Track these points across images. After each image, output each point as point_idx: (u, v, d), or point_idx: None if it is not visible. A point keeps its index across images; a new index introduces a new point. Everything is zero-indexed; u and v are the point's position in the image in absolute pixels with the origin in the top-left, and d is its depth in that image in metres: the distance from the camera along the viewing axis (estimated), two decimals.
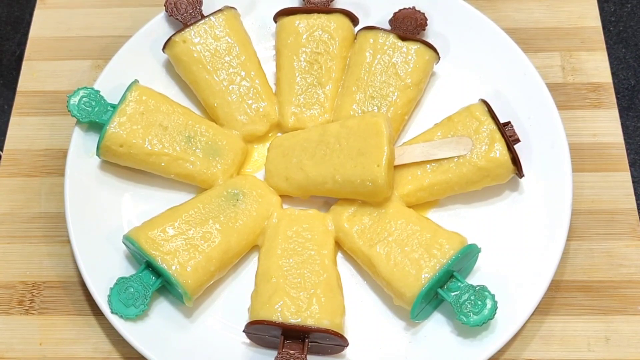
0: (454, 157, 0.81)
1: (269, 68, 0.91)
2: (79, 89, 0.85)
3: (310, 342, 0.75)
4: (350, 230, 0.80)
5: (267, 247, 0.80)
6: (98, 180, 0.85)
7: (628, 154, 0.88)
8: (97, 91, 0.86)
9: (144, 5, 0.99)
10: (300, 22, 0.89)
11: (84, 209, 0.82)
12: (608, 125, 0.90)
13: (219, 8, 0.89)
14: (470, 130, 0.82)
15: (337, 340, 0.74)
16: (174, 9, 0.90)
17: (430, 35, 0.91)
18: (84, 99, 0.85)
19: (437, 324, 0.78)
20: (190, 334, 0.78)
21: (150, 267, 0.78)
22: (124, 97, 0.84)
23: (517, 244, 0.81)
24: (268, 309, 0.74)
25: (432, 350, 0.77)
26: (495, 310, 0.74)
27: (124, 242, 0.79)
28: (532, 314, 0.77)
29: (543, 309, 0.80)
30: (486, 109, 0.83)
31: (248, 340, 0.77)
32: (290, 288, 0.76)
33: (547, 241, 0.79)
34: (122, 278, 0.78)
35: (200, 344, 0.78)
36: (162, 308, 0.79)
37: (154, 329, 0.77)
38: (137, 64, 0.90)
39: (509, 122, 0.82)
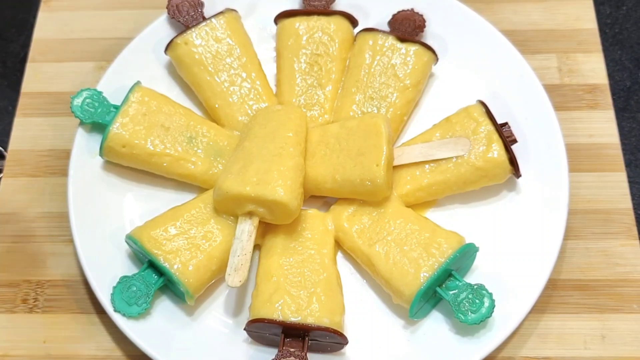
0: (452, 157, 0.82)
1: (270, 69, 0.92)
2: (82, 90, 0.86)
3: (310, 340, 0.75)
4: (350, 229, 0.81)
5: (267, 247, 0.81)
6: (101, 181, 0.85)
7: (624, 154, 0.89)
8: (100, 92, 0.86)
9: (146, 7, 1.00)
10: (301, 24, 0.90)
11: (87, 209, 0.83)
12: (604, 126, 0.91)
13: (220, 10, 0.90)
14: (468, 131, 0.83)
15: (336, 338, 0.75)
16: (176, 12, 0.91)
17: (428, 37, 0.92)
18: (87, 100, 0.85)
19: (435, 322, 0.79)
20: (192, 332, 0.79)
21: (153, 266, 0.78)
22: (126, 98, 0.84)
23: (515, 243, 0.81)
24: (269, 307, 0.75)
25: (430, 348, 0.77)
26: (493, 308, 0.75)
27: (126, 242, 0.80)
28: (529, 313, 0.78)
29: (540, 307, 0.80)
30: (484, 110, 0.83)
31: (249, 338, 0.78)
32: (291, 287, 0.76)
33: (544, 240, 0.80)
34: (125, 277, 0.78)
35: (202, 342, 0.78)
36: (164, 306, 0.80)
37: (156, 327, 0.78)
38: (140, 66, 0.90)
39: (506, 123, 0.83)
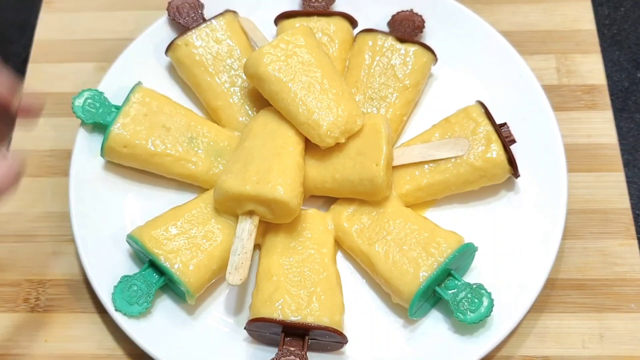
0: (451, 157, 0.82)
1: None
2: (83, 91, 0.86)
3: (310, 339, 0.76)
4: (350, 229, 0.81)
5: (267, 246, 0.81)
6: (102, 181, 0.85)
7: (622, 155, 0.89)
8: (101, 93, 0.87)
9: (147, 9, 1.00)
10: (300, 24, 0.90)
11: (88, 209, 0.83)
12: (602, 127, 0.91)
13: (221, 12, 0.91)
14: (467, 131, 0.83)
15: (336, 338, 0.75)
16: (176, 13, 0.91)
17: (427, 38, 0.92)
18: (88, 101, 0.86)
19: (434, 322, 0.79)
20: (193, 332, 0.79)
21: (154, 265, 0.79)
22: (127, 99, 0.85)
23: (513, 243, 0.82)
24: (269, 306, 0.75)
25: (429, 347, 0.78)
26: (492, 307, 0.75)
27: (127, 241, 0.81)
28: (528, 312, 0.78)
29: (538, 306, 0.80)
30: (483, 110, 0.84)
31: (249, 338, 0.78)
32: (291, 286, 0.77)
33: (543, 240, 0.80)
34: (126, 276, 0.79)
35: (202, 341, 0.79)
36: (165, 306, 0.80)
37: (157, 327, 0.78)
38: (140, 67, 0.91)
39: (505, 123, 0.83)
